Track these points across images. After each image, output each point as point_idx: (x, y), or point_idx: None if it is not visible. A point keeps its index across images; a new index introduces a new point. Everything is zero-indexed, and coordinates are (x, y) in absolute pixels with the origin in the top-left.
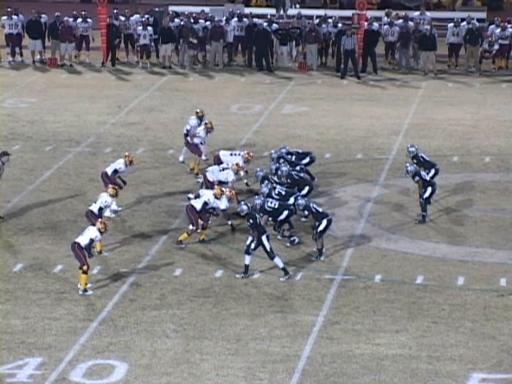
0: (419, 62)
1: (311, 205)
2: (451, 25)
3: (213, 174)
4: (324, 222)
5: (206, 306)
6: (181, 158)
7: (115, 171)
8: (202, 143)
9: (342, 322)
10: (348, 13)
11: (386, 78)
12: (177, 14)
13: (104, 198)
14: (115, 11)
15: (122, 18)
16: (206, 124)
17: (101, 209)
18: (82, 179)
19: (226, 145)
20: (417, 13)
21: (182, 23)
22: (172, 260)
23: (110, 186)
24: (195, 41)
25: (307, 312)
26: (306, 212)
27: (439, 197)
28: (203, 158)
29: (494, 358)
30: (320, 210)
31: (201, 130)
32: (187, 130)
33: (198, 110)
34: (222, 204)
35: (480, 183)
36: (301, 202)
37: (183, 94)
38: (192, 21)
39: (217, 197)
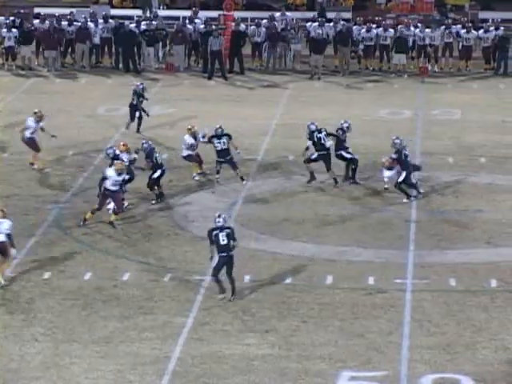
0: (291, 62)
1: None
2: (316, 24)
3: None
4: (158, 172)
5: (75, 309)
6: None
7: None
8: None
9: (211, 323)
10: (215, 13)
11: (253, 78)
12: (42, 16)
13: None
14: None
15: None
16: (35, 113)
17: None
18: None
19: (95, 147)
20: (278, 13)
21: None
22: (40, 263)
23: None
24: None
25: (177, 313)
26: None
27: (308, 196)
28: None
29: (363, 356)
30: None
31: (30, 120)
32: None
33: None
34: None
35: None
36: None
37: (49, 97)
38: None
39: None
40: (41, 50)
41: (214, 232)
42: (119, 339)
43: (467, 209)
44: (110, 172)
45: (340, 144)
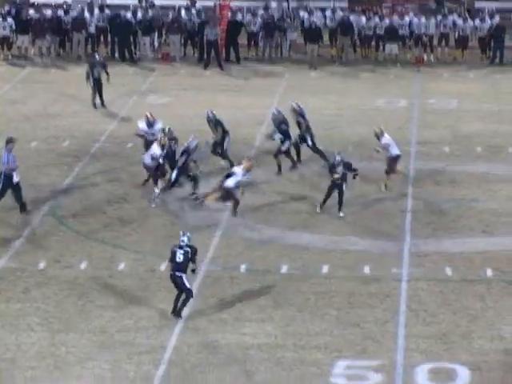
0: (287, 52)
1: None
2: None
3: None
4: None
5: (71, 299)
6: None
7: None
8: None
9: (207, 313)
10: (211, 3)
11: (249, 68)
12: (38, 6)
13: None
14: None
15: None
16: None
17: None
18: None
19: (91, 136)
20: (274, 3)
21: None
22: (36, 253)
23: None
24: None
25: (172, 303)
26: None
27: (304, 185)
28: None
29: (359, 345)
30: None
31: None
32: None
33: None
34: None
35: None
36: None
37: (45, 86)
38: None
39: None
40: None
41: (174, 249)
42: (115, 329)
43: (463, 198)
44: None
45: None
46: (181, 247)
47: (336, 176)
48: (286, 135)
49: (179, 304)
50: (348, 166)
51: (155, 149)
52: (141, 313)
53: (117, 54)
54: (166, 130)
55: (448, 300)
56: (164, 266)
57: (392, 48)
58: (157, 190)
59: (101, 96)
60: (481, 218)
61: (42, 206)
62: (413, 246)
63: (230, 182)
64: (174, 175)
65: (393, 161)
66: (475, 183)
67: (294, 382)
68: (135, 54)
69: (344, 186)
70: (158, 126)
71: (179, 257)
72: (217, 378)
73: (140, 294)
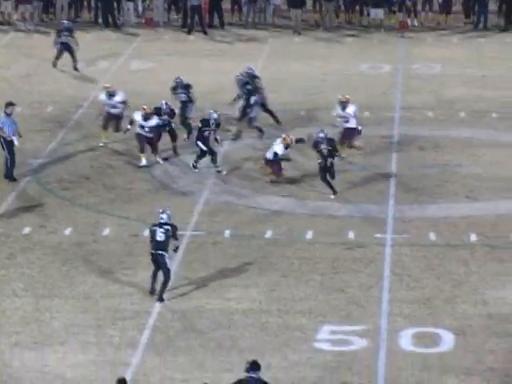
0: (270, 17)
1: None
2: None
3: None
4: None
5: (56, 265)
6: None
7: None
8: None
9: (192, 278)
10: None
11: (232, 33)
12: None
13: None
14: None
15: None
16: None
17: None
18: None
19: (74, 102)
20: None
21: None
22: (21, 218)
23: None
24: None
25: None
26: None
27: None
28: None
29: (343, 311)
30: None
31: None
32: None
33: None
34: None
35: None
36: None
37: (29, 51)
38: None
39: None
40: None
41: (153, 228)
42: (99, 294)
43: (447, 163)
44: None
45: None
46: (160, 225)
47: (319, 160)
48: (250, 94)
49: (159, 288)
50: (331, 144)
51: (153, 121)
52: (125, 278)
53: (100, 20)
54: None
55: (432, 265)
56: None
57: (377, 13)
58: (159, 159)
59: (74, 60)
60: (464, 183)
61: (27, 172)
62: (397, 212)
63: (269, 154)
64: (201, 147)
65: (349, 133)
66: (459, 148)
67: (279, 347)
68: (118, 19)
69: (330, 163)
70: (119, 97)
71: (160, 235)
72: (201, 344)
73: (124, 259)
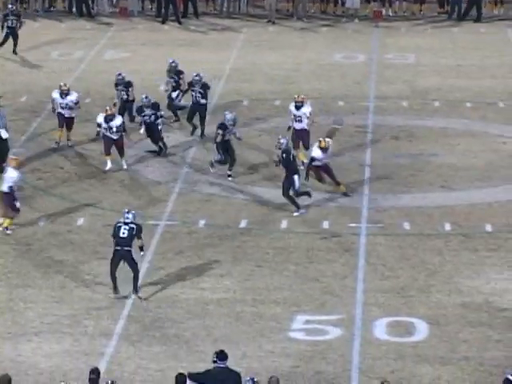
0: (245, 6)
1: None
2: None
3: None
4: None
5: (30, 254)
6: None
7: None
8: None
9: (166, 268)
10: None
11: (207, 22)
12: None
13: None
14: None
15: None
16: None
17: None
18: None
19: (48, 92)
20: None
21: None
22: None
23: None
24: None
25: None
26: None
27: (262, 140)
28: None
29: (318, 300)
30: None
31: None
32: None
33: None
34: None
35: None
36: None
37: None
38: None
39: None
40: None
41: (118, 224)
42: (74, 284)
43: (422, 153)
44: None
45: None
46: (126, 223)
47: (275, 159)
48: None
49: (133, 283)
50: (288, 155)
51: (118, 121)
52: (99, 268)
53: (74, 9)
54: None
55: (406, 254)
56: None
57: (354, 2)
58: (124, 164)
59: (15, 44)
60: (439, 173)
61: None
62: (371, 201)
63: (308, 160)
64: (217, 155)
65: (301, 134)
66: (433, 138)
67: (254, 336)
68: (93, 8)
69: (295, 178)
70: (72, 97)
71: (123, 232)
72: (176, 334)
73: (99, 249)
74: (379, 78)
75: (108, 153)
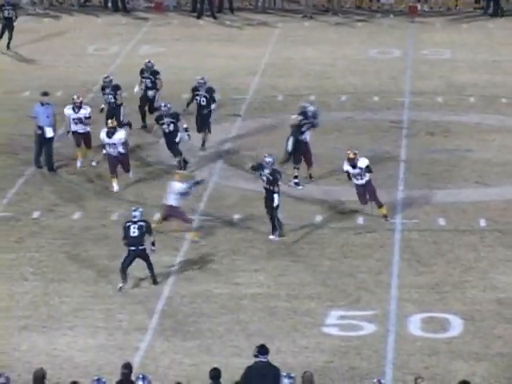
0: (280, 1)
1: None
2: None
3: None
4: None
5: (65, 249)
6: None
7: None
8: None
9: (200, 263)
10: None
11: (242, 17)
12: None
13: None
14: None
15: None
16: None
17: None
18: None
19: (84, 86)
20: None
21: None
22: (30, 203)
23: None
24: None
25: (166, 253)
26: None
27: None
28: None
29: (352, 296)
30: None
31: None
32: None
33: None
34: None
35: (336, 122)
36: None
37: (38, 35)
38: None
39: None
40: None
41: (127, 224)
42: (108, 279)
43: (457, 148)
44: None
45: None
46: (134, 222)
47: (263, 178)
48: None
49: (150, 274)
50: (274, 174)
51: (121, 134)
52: (134, 263)
53: (110, 4)
54: (163, 105)
55: (441, 250)
56: (157, 217)
57: None
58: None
59: (10, 37)
60: (474, 169)
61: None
62: (406, 197)
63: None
64: (289, 145)
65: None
66: (469, 134)
67: (288, 331)
68: (128, 3)
69: (275, 196)
70: (85, 111)
71: (133, 231)
72: (210, 328)
73: None
74: (414, 74)
75: (113, 174)
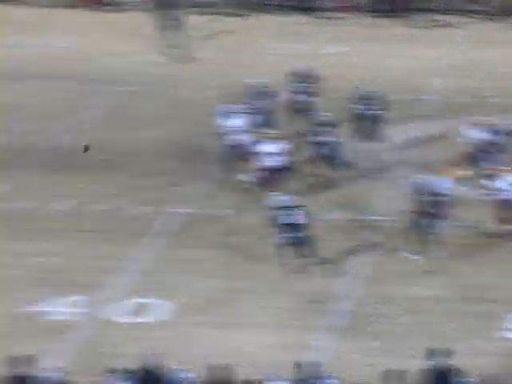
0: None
1: None
2: None
3: None
4: None
5: (244, 247)
6: None
7: None
8: None
9: (384, 264)
10: None
11: (424, 18)
12: None
13: None
14: None
15: None
16: None
17: None
18: None
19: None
20: None
21: None
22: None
23: None
24: None
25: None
26: None
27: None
28: None
29: None
30: None
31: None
32: None
33: None
34: None
35: None
36: None
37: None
38: None
39: None
40: None
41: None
42: (293, 277)
43: None
44: None
45: None
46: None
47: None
48: None
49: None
50: None
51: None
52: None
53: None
54: None
55: None
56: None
57: None
58: None
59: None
60: None
61: None
62: None
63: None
64: None
65: None
66: None
67: (466, 334)
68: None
69: None
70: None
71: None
72: (389, 330)
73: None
74: None
75: None
